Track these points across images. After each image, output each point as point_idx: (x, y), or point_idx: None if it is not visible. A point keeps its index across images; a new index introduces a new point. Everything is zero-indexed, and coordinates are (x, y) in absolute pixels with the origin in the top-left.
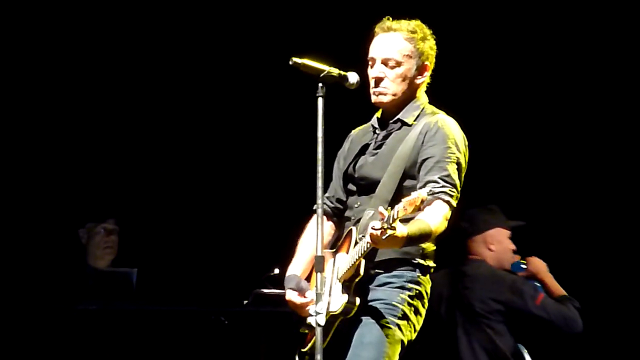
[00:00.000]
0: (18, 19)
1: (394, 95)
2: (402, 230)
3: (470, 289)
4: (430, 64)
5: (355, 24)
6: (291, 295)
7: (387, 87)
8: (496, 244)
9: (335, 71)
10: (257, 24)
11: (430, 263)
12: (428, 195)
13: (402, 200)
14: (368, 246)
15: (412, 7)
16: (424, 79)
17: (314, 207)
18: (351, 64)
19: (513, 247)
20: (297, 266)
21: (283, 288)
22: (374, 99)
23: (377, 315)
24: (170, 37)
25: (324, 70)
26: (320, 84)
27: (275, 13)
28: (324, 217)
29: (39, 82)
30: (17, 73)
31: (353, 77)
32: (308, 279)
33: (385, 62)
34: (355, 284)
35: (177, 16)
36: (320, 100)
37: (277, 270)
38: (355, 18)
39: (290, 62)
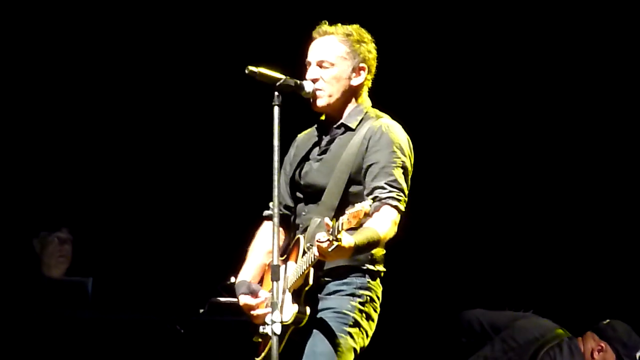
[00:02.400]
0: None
1: (329, 96)
2: (348, 240)
3: None
4: (370, 67)
5: (311, 34)
6: (245, 299)
7: (322, 88)
8: (600, 357)
9: (291, 80)
10: (214, 32)
11: (380, 267)
12: (376, 201)
13: (346, 212)
14: (315, 257)
15: (368, 17)
16: (361, 81)
17: (264, 213)
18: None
19: None
20: (247, 273)
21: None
22: (313, 105)
23: (328, 325)
24: (126, 48)
25: (280, 79)
26: (276, 93)
27: (231, 21)
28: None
29: None
30: None
31: (309, 86)
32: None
33: (320, 64)
34: (305, 293)
35: (134, 25)
36: (276, 109)
37: (233, 279)
38: (312, 28)
39: (246, 71)
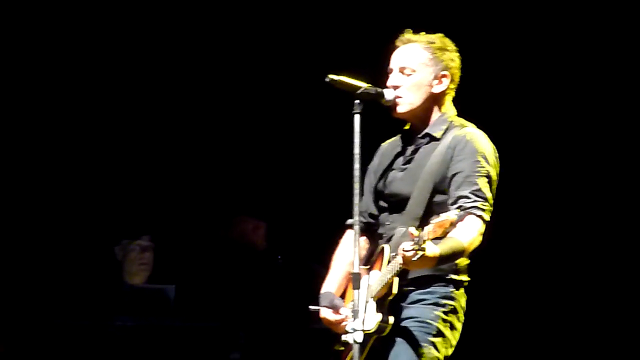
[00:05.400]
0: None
1: (410, 103)
2: (433, 250)
3: None
4: (452, 75)
5: (393, 41)
6: (325, 313)
7: (402, 95)
8: None
9: (371, 88)
10: (294, 41)
11: (464, 277)
12: (460, 210)
13: (432, 221)
14: (400, 267)
15: (447, 23)
16: (443, 89)
17: (347, 222)
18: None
19: None
20: (332, 283)
21: (318, 305)
22: (393, 112)
23: (412, 334)
24: (206, 54)
25: (360, 87)
26: (356, 101)
27: (312, 30)
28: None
29: (67, 102)
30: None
31: (389, 94)
32: (343, 295)
33: (401, 71)
34: (389, 302)
35: (215, 32)
36: (356, 117)
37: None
38: (393, 35)
39: (327, 79)
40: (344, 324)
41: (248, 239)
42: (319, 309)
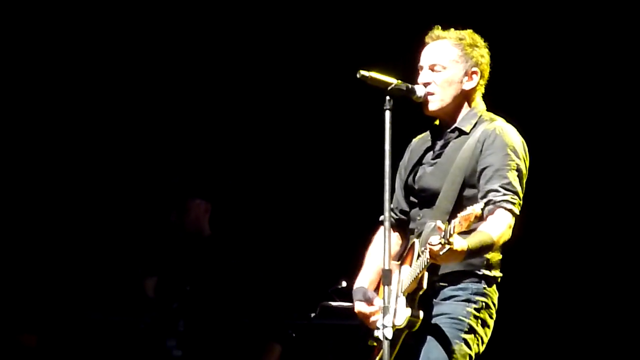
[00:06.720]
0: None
1: (441, 100)
2: (461, 244)
3: None
4: (482, 71)
5: (424, 38)
6: (359, 306)
7: (434, 91)
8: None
9: (402, 84)
10: (325, 37)
11: (497, 273)
12: (490, 204)
13: (458, 215)
14: (428, 261)
15: (478, 18)
16: (474, 85)
17: (380, 218)
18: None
19: None
20: (365, 278)
21: (350, 301)
22: (424, 109)
23: (443, 331)
24: (237, 49)
25: (391, 84)
26: (387, 97)
27: (343, 26)
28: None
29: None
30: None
31: (420, 90)
32: (376, 291)
33: (432, 68)
34: (419, 297)
35: (245, 28)
36: (387, 113)
37: (344, 283)
38: (424, 32)
39: (358, 75)
40: (377, 317)
41: (199, 224)
42: (337, 305)
